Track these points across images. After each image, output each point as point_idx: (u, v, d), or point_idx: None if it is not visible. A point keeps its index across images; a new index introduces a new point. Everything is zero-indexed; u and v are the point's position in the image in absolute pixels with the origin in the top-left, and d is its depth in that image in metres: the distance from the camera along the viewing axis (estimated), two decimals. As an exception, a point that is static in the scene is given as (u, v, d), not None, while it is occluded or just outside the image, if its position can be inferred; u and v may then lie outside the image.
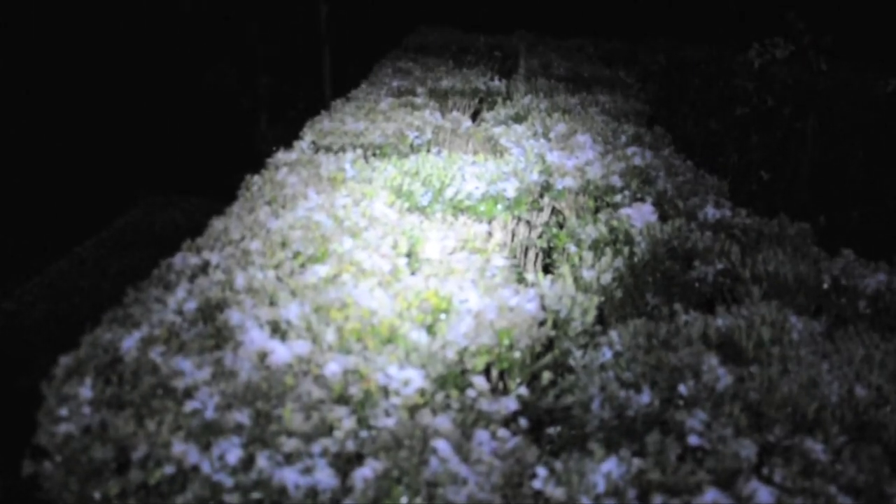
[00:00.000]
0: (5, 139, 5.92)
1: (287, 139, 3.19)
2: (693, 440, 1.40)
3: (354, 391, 1.43)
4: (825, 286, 2.20)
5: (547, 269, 2.81)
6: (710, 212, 2.59)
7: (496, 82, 4.44)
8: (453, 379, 1.53)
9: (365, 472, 1.26)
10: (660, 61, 5.91)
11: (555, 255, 2.74)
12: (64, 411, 1.44)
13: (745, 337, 1.82)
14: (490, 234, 2.27)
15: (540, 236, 2.82)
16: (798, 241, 2.48)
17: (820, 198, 3.95)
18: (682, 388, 1.56)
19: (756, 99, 4.92)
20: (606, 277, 2.26)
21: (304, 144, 2.98)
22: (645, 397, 1.53)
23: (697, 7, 7.48)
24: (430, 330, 1.65)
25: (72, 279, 5.01)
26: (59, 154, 6.21)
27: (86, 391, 1.48)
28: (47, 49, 6.42)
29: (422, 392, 1.46)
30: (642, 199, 2.68)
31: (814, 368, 1.66)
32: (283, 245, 1.97)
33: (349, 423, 1.35)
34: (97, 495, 1.33)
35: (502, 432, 1.38)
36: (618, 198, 2.70)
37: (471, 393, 1.47)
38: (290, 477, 1.26)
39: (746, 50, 5.70)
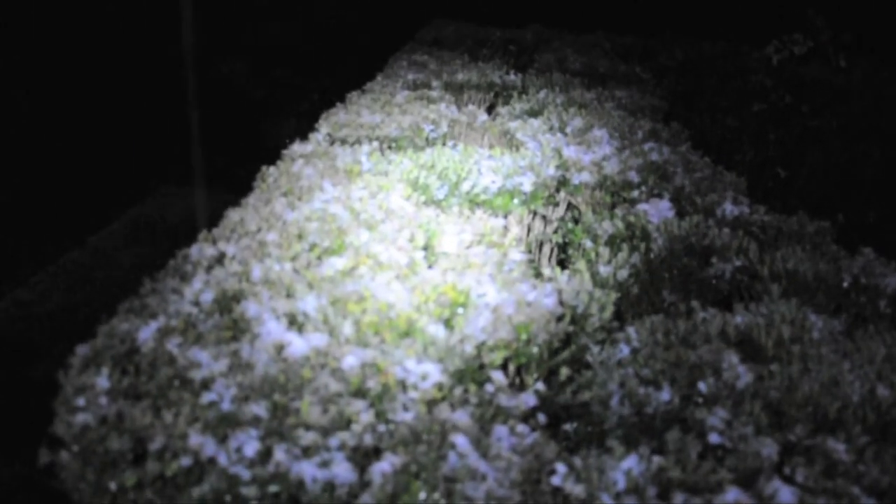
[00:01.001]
0: (21, 130, 5.95)
1: (301, 131, 3.18)
2: (714, 438, 1.39)
3: (372, 385, 1.42)
4: (845, 285, 2.17)
5: (562, 264, 2.79)
6: (728, 208, 2.57)
7: (511, 76, 4.42)
8: (471, 373, 1.52)
9: (383, 467, 1.25)
10: (676, 57, 5.86)
11: (570, 251, 2.73)
12: (81, 401, 1.43)
13: (765, 335, 1.80)
14: (506, 228, 2.25)
15: (556, 231, 2.81)
16: (817, 239, 2.46)
17: (838, 196, 3.91)
18: (701, 386, 1.54)
19: (774, 96, 4.88)
20: (623, 273, 2.25)
21: (319, 136, 2.97)
22: (664, 394, 1.52)
23: (714, 2, 7.42)
24: (448, 324, 1.64)
25: (86, 269, 5.03)
26: (75, 145, 6.23)
27: (103, 381, 1.47)
28: (64, 40, 6.44)
29: (440, 386, 1.45)
30: (659, 195, 2.66)
31: (835, 367, 1.64)
32: (300, 237, 1.97)
33: (367, 416, 1.34)
34: (113, 486, 1.33)
35: (521, 428, 1.37)
36: (634, 193, 2.68)
37: (489, 388, 1.46)
38: (307, 470, 1.26)
39: (764, 46, 5.66)
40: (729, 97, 5.06)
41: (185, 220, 5.81)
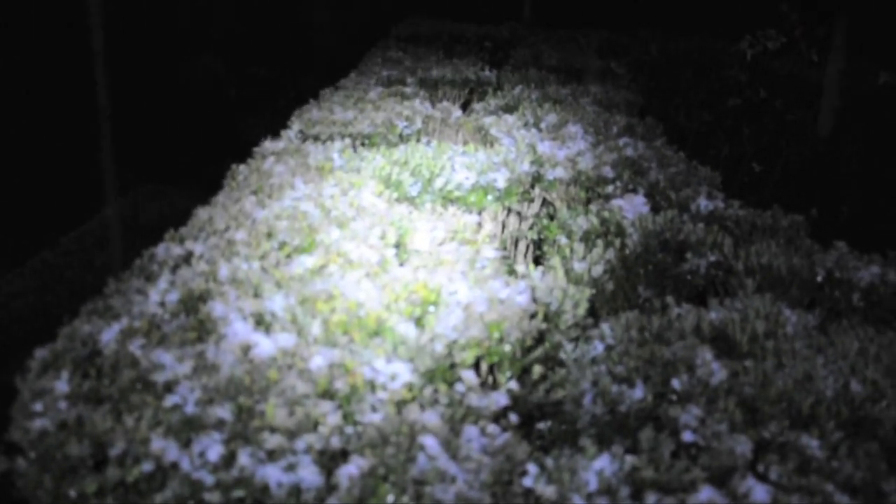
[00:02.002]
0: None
1: (275, 129, 3.14)
2: (687, 436, 1.37)
3: (340, 385, 1.39)
4: (819, 279, 2.17)
5: (538, 261, 2.77)
6: (703, 203, 2.56)
7: (487, 73, 4.39)
8: (442, 373, 1.49)
9: (350, 470, 1.22)
10: (651, 52, 5.87)
11: (546, 247, 2.70)
12: (39, 406, 1.39)
13: (739, 330, 1.78)
14: (480, 225, 2.23)
15: (531, 227, 2.78)
16: (791, 233, 2.45)
17: (812, 190, 3.93)
18: (675, 383, 1.52)
19: (748, 90, 4.89)
20: (598, 269, 2.23)
21: (291, 134, 2.93)
22: (638, 392, 1.50)
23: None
24: (419, 322, 1.61)
25: (57, 270, 4.94)
26: (47, 144, 6.13)
27: (62, 385, 1.43)
28: (33, 40, 6.32)
29: (409, 386, 1.42)
30: (634, 191, 2.64)
31: (808, 363, 1.63)
32: (269, 235, 1.93)
33: (334, 418, 1.31)
34: (73, 493, 1.29)
35: (492, 428, 1.35)
36: (609, 189, 2.66)
37: (459, 387, 1.44)
38: (272, 475, 1.22)
39: (738, 41, 5.67)
40: (703, 92, 5.06)
41: (160, 218, 5.73)
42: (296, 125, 3.01)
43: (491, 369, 1.69)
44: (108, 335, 1.53)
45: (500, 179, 2.52)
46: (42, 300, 4.49)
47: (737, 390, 1.53)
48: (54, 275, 4.86)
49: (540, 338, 1.74)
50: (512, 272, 2.08)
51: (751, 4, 5.72)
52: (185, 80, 7.59)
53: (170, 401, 1.35)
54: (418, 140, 3.01)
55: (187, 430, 1.31)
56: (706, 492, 1.23)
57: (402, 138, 3.01)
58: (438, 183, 2.43)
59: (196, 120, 7.27)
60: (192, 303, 1.65)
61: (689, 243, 2.32)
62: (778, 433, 1.40)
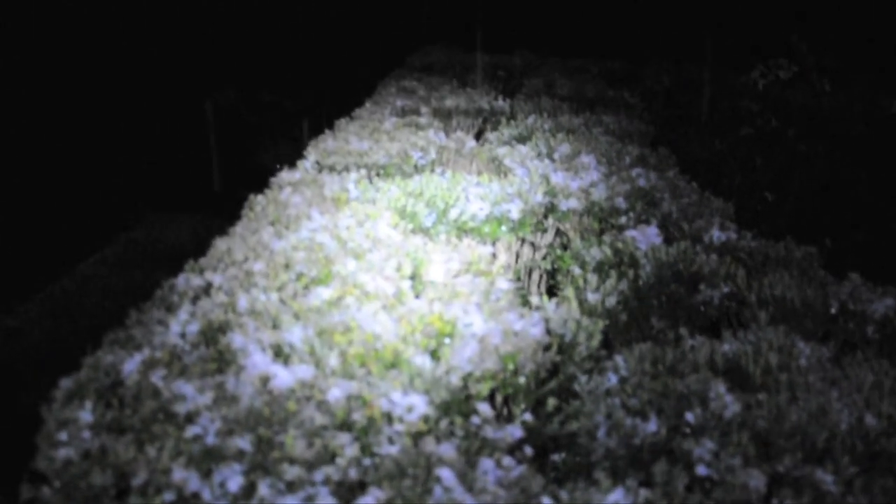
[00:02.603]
0: (11, 156, 5.93)
1: (291, 157, 3.19)
2: (701, 470, 1.38)
3: (357, 417, 1.41)
4: (833, 311, 2.18)
5: (551, 290, 2.79)
6: (716, 234, 2.58)
7: (500, 102, 4.44)
8: (457, 405, 1.51)
9: (367, 502, 1.24)
10: (663, 81, 5.91)
11: (559, 277, 2.72)
12: (63, 435, 1.42)
13: (753, 363, 1.79)
14: (494, 255, 2.25)
15: (544, 258, 2.81)
16: (805, 265, 2.46)
17: (825, 220, 3.94)
18: (689, 416, 1.53)
19: (760, 120, 4.92)
20: (611, 300, 2.24)
21: (307, 164, 2.97)
22: (651, 425, 1.51)
23: (700, 27, 7.49)
24: (434, 355, 1.63)
25: (75, 297, 4.99)
26: (64, 172, 6.22)
27: (86, 415, 1.46)
28: (52, 67, 6.44)
29: (425, 418, 1.44)
30: (647, 221, 2.66)
31: (823, 396, 1.64)
32: (287, 267, 1.96)
33: (352, 450, 1.33)
34: (96, 523, 1.31)
35: (507, 460, 1.36)
36: (622, 220, 2.68)
37: (475, 420, 1.45)
38: (291, 506, 1.24)
39: (750, 71, 5.71)
40: (715, 121, 5.09)
41: (176, 246, 5.79)
42: (312, 155, 3.06)
43: (505, 401, 1.71)
44: (131, 366, 1.56)
45: (514, 210, 2.55)
46: (60, 326, 4.54)
47: (750, 424, 1.53)
48: (71, 302, 4.92)
49: (554, 370, 1.76)
50: (526, 303, 2.10)
51: (762, 35, 5.77)
52: (201, 108, 7.69)
53: (191, 431, 1.38)
54: (432, 170, 3.05)
55: (208, 460, 1.33)
56: (720, 526, 1.24)
57: (417, 169, 3.05)
58: (453, 214, 2.47)
59: (212, 148, 7.37)
60: (212, 334, 1.68)
61: (702, 274, 2.33)
62: (792, 467, 1.41)
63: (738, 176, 4.20)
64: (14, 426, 3.33)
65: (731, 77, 5.90)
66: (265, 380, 1.50)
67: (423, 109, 4.07)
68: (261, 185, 2.86)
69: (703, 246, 2.52)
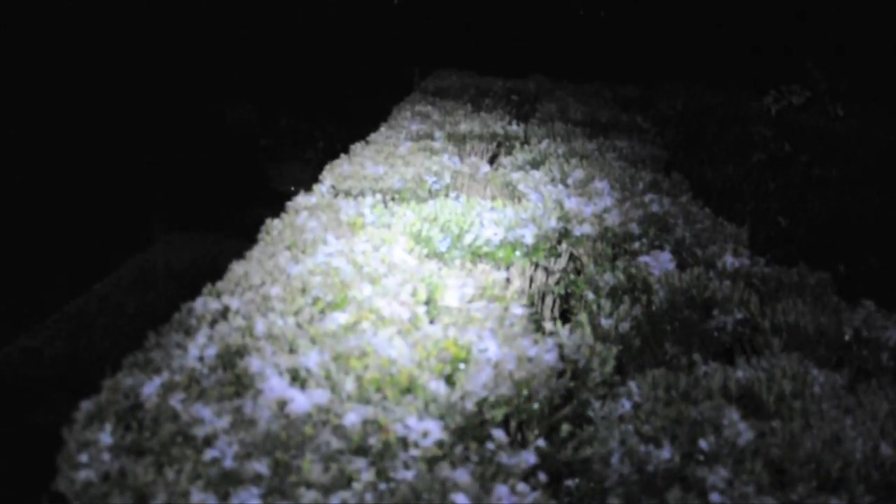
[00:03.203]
0: (26, 175, 6.02)
1: (304, 179, 3.23)
2: (715, 498, 1.39)
3: (373, 442, 1.43)
4: (847, 338, 2.18)
5: (564, 315, 2.80)
6: (729, 260, 2.59)
7: (514, 126, 4.48)
8: (472, 430, 1.52)
9: (383, 527, 1.25)
10: (676, 106, 5.94)
11: (572, 302, 2.74)
12: (84, 457, 1.44)
13: (766, 390, 1.80)
14: (508, 280, 2.27)
15: (557, 282, 2.82)
16: (818, 291, 2.47)
17: (838, 245, 3.94)
18: (702, 444, 1.54)
19: (773, 145, 4.93)
20: (624, 326, 2.26)
21: (323, 188, 3.01)
22: (665, 452, 1.52)
23: (712, 52, 7.54)
24: (449, 380, 1.65)
25: (90, 317, 5.04)
26: (80, 191, 6.30)
27: (106, 437, 1.48)
28: (68, 84, 6.54)
29: (440, 444, 1.45)
30: (660, 247, 2.68)
31: (837, 424, 1.64)
32: (303, 291, 1.99)
33: (368, 475, 1.35)
34: (115, 545, 1.33)
35: (521, 486, 1.37)
36: (636, 245, 2.70)
37: (490, 445, 1.47)
38: (308, 530, 1.26)
39: (762, 95, 5.74)
40: (729, 147, 5.11)
41: (191, 267, 5.84)
42: (327, 180, 3.10)
43: (519, 426, 1.72)
44: (150, 388, 1.59)
45: (528, 235, 2.57)
46: (75, 346, 4.58)
47: (764, 451, 1.54)
48: (87, 321, 4.96)
49: (568, 395, 1.77)
50: (540, 328, 2.12)
51: (775, 60, 5.80)
52: (217, 129, 7.78)
53: (209, 455, 1.39)
54: (447, 195, 3.08)
55: (226, 483, 1.35)
56: (734, 555, 1.24)
57: (432, 193, 3.07)
58: (468, 239, 2.49)
59: (228, 169, 7.44)
60: (230, 357, 1.70)
61: (715, 300, 2.34)
62: (806, 496, 1.41)
63: (751, 201, 4.22)
64: (31, 443, 3.36)
65: (743, 101, 5.93)
66: (282, 404, 1.52)
67: (438, 134, 4.11)
68: (274, 205, 2.90)
69: (716, 272, 2.53)
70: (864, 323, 2.22)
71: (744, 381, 1.85)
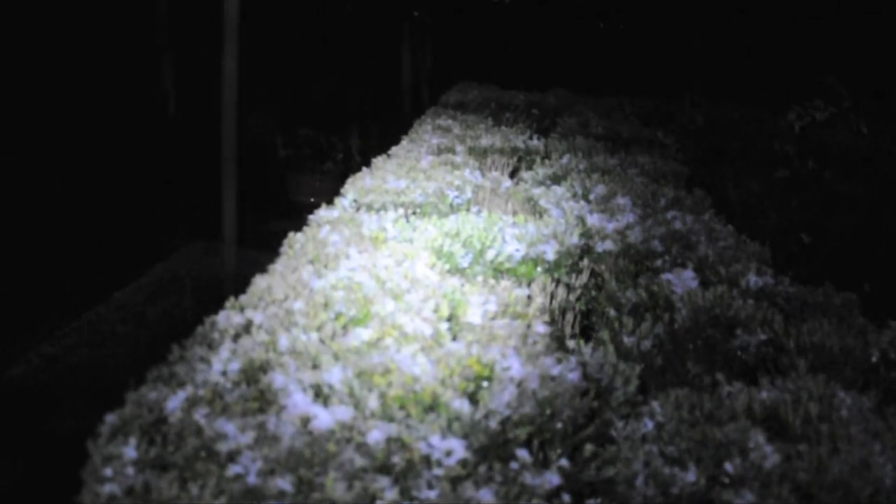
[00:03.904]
0: (50, 185, 6.09)
1: (323, 190, 3.24)
2: (741, 523, 1.37)
3: (397, 460, 1.42)
4: (873, 359, 2.15)
5: (584, 331, 2.79)
6: (753, 279, 2.57)
7: (534, 141, 4.48)
8: (496, 450, 1.52)
9: (407, 547, 1.25)
10: (697, 121, 5.92)
11: (593, 318, 2.73)
12: (108, 471, 1.44)
13: (792, 412, 1.78)
14: (530, 298, 2.26)
15: (578, 299, 2.81)
16: (844, 312, 2.44)
17: (863, 264, 3.90)
18: (728, 467, 1.52)
19: (796, 161, 4.90)
20: (646, 344, 2.24)
21: (345, 202, 3.02)
22: (690, 475, 1.51)
23: (733, 67, 7.51)
24: (473, 398, 1.64)
25: (111, 325, 5.08)
26: (102, 199, 6.37)
27: (130, 451, 1.48)
28: (88, 96, 6.62)
29: (464, 463, 1.45)
30: (683, 265, 2.66)
31: (865, 448, 1.62)
32: (326, 306, 1.99)
33: (392, 493, 1.34)
34: (138, 560, 1.33)
35: (545, 508, 1.36)
36: (658, 262, 2.69)
37: (513, 465, 1.46)
38: (331, 549, 1.25)
39: (784, 110, 5.70)
40: (751, 162, 5.09)
41: (210, 276, 5.88)
42: (350, 193, 3.10)
43: (542, 445, 1.71)
44: (174, 403, 1.59)
45: (550, 252, 2.57)
46: (96, 354, 4.62)
47: (791, 475, 1.52)
48: (107, 329, 5.01)
49: (591, 414, 1.76)
50: (562, 346, 2.10)
51: (797, 74, 5.76)
52: (239, 141, 7.83)
53: (232, 470, 1.40)
54: (468, 210, 3.08)
55: (249, 500, 1.35)
56: (762, 582, 1.23)
57: (453, 208, 3.08)
58: (489, 255, 2.48)
59: (246, 178, 7.48)
60: (253, 373, 1.71)
61: (738, 320, 2.32)
62: (834, 522, 1.39)
63: (774, 217, 4.19)
64: (53, 453, 3.38)
65: (766, 117, 5.89)
66: (305, 420, 1.52)
67: (459, 148, 4.11)
68: (293, 217, 2.91)
69: (739, 291, 2.51)
70: (891, 344, 2.19)
71: (769, 402, 1.83)
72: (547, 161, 3.99)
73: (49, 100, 6.26)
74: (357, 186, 3.17)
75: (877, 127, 4.91)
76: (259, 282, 2.20)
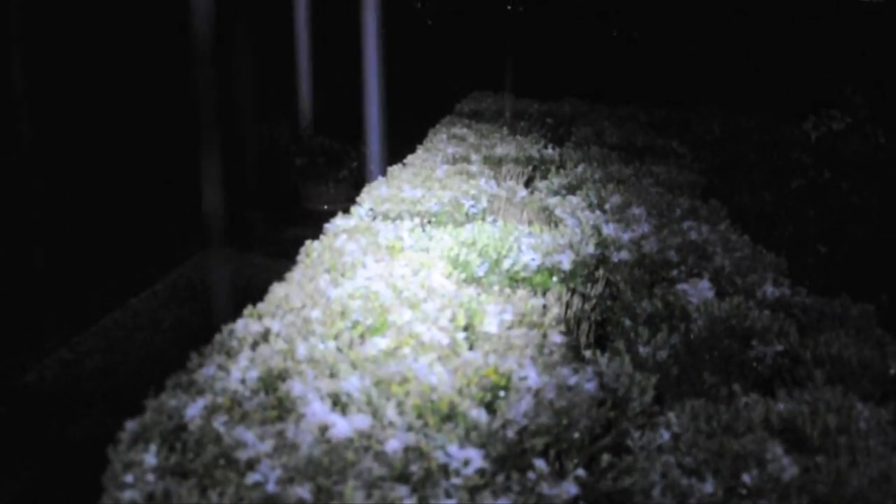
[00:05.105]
0: (65, 191, 6.15)
1: (338, 198, 3.26)
2: (760, 535, 1.37)
3: (415, 469, 1.43)
4: (892, 371, 2.14)
5: (600, 341, 2.79)
6: (769, 290, 2.56)
7: (549, 150, 4.48)
8: (513, 459, 1.52)
9: (425, 556, 1.25)
10: (713, 130, 5.91)
11: (609, 328, 2.73)
12: (129, 478, 1.46)
13: (810, 424, 1.77)
14: (546, 307, 2.27)
15: (593, 308, 2.81)
16: (861, 323, 2.43)
17: (880, 275, 3.87)
18: (745, 478, 1.52)
19: (813, 171, 4.88)
20: (662, 354, 2.24)
21: (362, 211, 3.03)
22: (708, 486, 1.50)
23: (749, 76, 7.49)
24: (490, 408, 1.65)
25: (126, 331, 5.12)
26: (118, 206, 6.42)
27: (150, 458, 1.50)
28: (104, 103, 6.68)
29: (482, 472, 1.45)
30: (699, 275, 2.66)
31: (884, 461, 1.61)
32: (343, 315, 2.00)
33: (410, 502, 1.35)
34: (159, 566, 1.34)
35: (563, 518, 1.37)
36: (674, 272, 2.68)
37: (531, 475, 1.46)
38: (350, 557, 1.26)
39: (800, 120, 5.68)
40: (766, 172, 5.07)
41: (225, 283, 5.91)
42: (366, 202, 3.12)
43: (559, 455, 1.71)
44: (193, 410, 1.61)
45: (566, 261, 2.57)
46: (111, 359, 4.65)
47: (809, 488, 1.52)
48: (123, 335, 5.04)
49: (607, 425, 1.76)
50: (578, 356, 2.11)
51: (813, 84, 5.75)
52: (254, 147, 7.89)
53: (251, 478, 1.41)
54: (484, 219, 3.08)
55: (268, 508, 1.36)
56: None
57: (469, 217, 3.09)
58: (505, 264, 2.49)
59: (262, 186, 7.53)
60: (272, 381, 1.72)
61: (755, 331, 2.31)
62: (853, 535, 1.39)
63: (790, 228, 4.17)
64: (72, 459, 3.41)
65: (782, 126, 5.87)
66: (324, 429, 1.53)
67: (474, 157, 4.13)
68: (307, 224, 2.93)
69: (755, 301, 2.50)
70: (908, 356, 2.18)
71: (786, 413, 1.82)
72: (562, 170, 4.00)
73: (69, 109, 6.33)
74: (373, 195, 3.19)
75: (894, 137, 4.88)
76: (276, 290, 2.21)
